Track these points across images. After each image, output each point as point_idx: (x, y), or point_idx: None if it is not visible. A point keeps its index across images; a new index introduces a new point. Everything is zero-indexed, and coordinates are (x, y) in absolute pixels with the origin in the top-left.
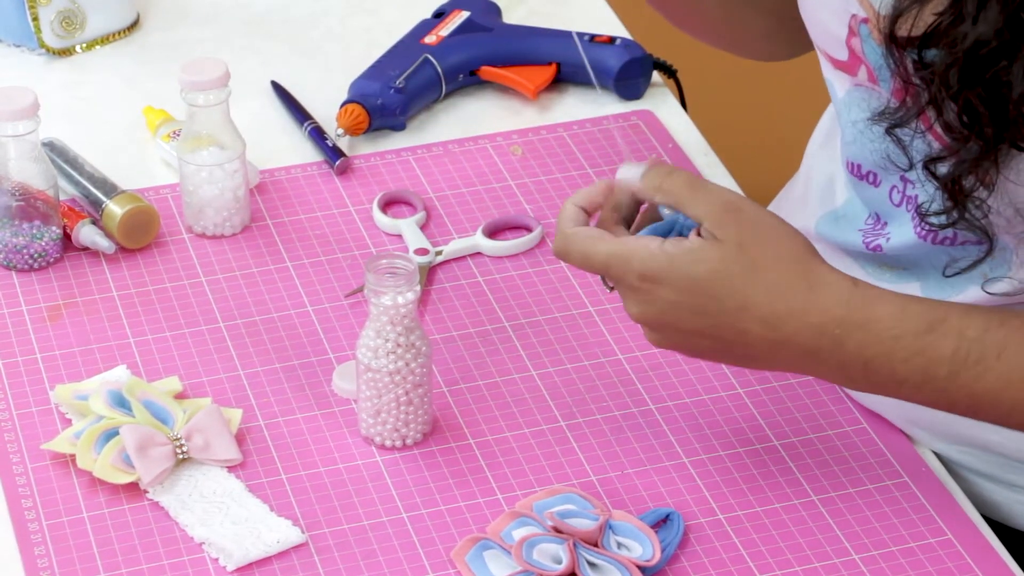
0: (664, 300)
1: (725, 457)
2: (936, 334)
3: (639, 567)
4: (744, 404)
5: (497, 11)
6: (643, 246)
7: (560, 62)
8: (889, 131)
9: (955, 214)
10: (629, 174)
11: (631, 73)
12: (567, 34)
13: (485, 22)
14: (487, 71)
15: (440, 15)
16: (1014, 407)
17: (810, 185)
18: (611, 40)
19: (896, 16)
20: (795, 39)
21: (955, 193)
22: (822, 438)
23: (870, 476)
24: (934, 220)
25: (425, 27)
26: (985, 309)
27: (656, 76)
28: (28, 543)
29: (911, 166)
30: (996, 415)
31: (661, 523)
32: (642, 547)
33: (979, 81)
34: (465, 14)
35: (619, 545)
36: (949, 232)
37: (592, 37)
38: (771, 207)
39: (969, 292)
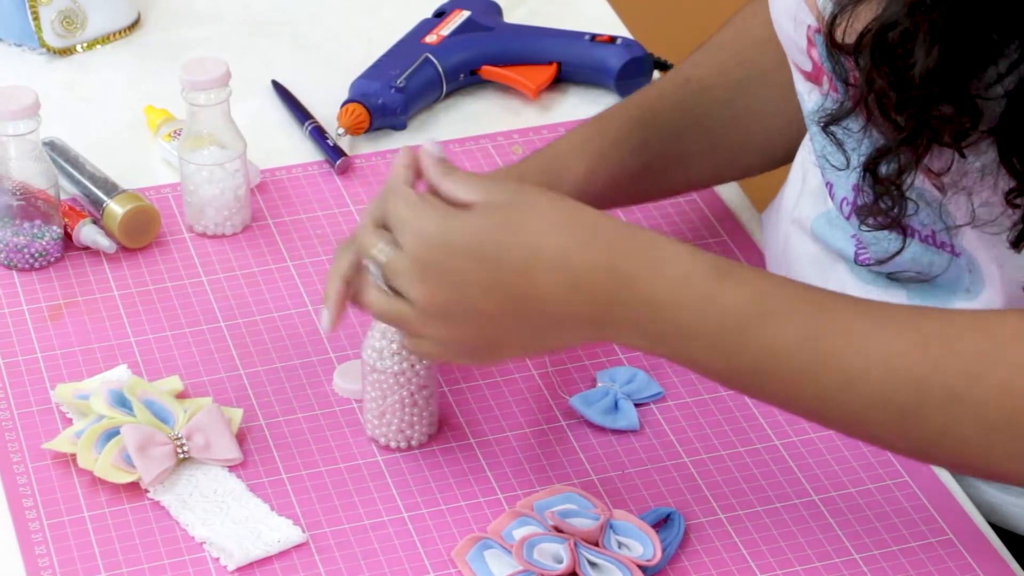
0: (452, 261)
1: (726, 456)
2: (727, 282)
3: (640, 567)
4: (744, 403)
5: (498, 10)
6: (423, 220)
7: (561, 62)
8: (825, 128)
9: (873, 204)
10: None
11: (632, 72)
12: (568, 34)
13: (486, 21)
14: (488, 71)
15: (441, 14)
16: (804, 369)
17: (805, 186)
18: (612, 39)
19: (833, 19)
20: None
21: (874, 182)
22: (823, 437)
23: (871, 475)
24: (870, 222)
25: (426, 26)
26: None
27: (657, 75)
28: (29, 542)
29: (848, 164)
30: (782, 382)
31: (662, 523)
32: (643, 547)
33: (887, 63)
34: (466, 13)
35: (620, 544)
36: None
37: (593, 36)
38: (769, 208)
39: (956, 303)
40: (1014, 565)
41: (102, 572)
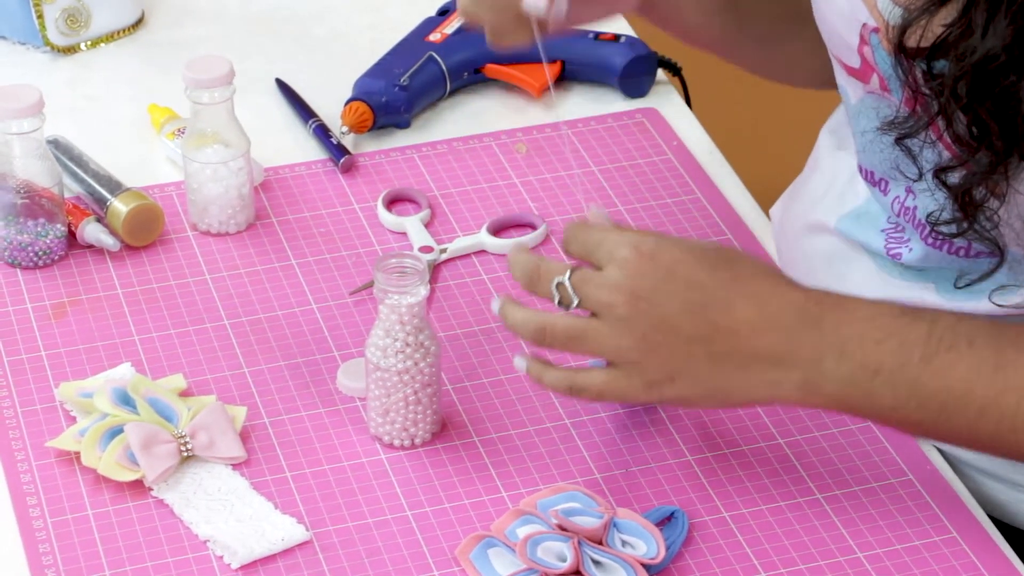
0: (660, 270)
1: (730, 455)
2: (910, 317)
3: (644, 565)
4: None
5: None
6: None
7: (565, 60)
8: (898, 141)
9: (964, 224)
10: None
11: (636, 71)
12: (572, 32)
13: None
14: (492, 69)
15: (444, 12)
16: (983, 408)
17: (833, 184)
18: (615, 38)
19: (904, 27)
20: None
21: (965, 204)
22: (826, 436)
23: (875, 474)
24: (944, 229)
25: (429, 25)
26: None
27: (661, 74)
28: (33, 540)
29: (920, 176)
30: (966, 418)
31: (665, 521)
32: (647, 545)
33: (988, 95)
34: None
35: (624, 543)
36: (963, 243)
37: (597, 35)
38: (778, 204)
39: (984, 302)
40: (1018, 563)
41: (106, 570)
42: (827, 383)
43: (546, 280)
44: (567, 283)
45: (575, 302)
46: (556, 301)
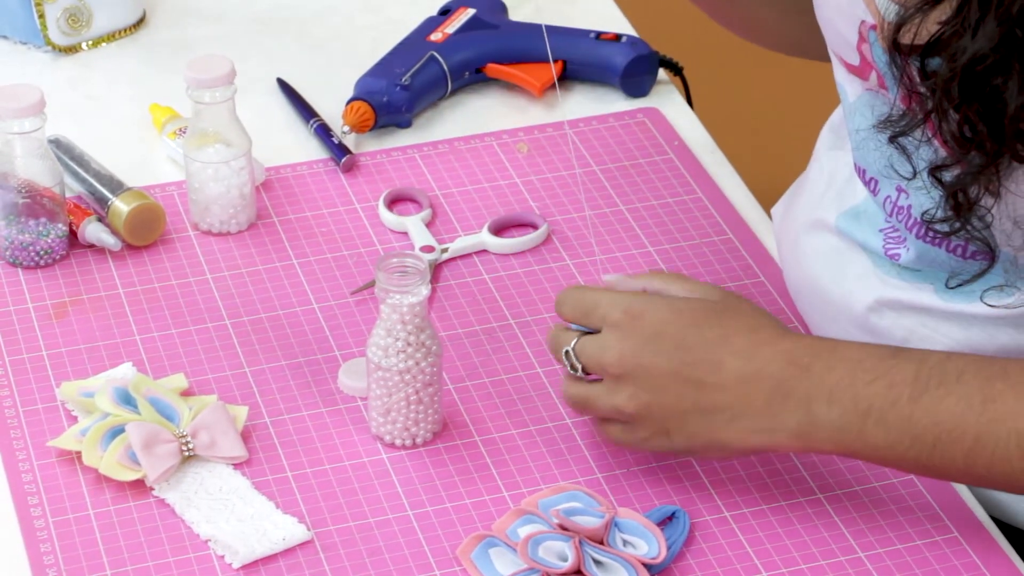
0: (648, 330)
1: None
2: (898, 359)
3: (645, 565)
4: None
5: (503, 8)
6: (634, 291)
7: (566, 59)
8: (892, 139)
9: (956, 223)
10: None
11: (637, 71)
12: (573, 31)
13: (491, 19)
14: (493, 68)
15: (446, 12)
16: (976, 440)
17: (832, 182)
18: (617, 37)
19: (900, 24)
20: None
21: (958, 203)
22: None
23: (876, 473)
24: (938, 227)
25: (431, 24)
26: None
27: (662, 74)
28: (34, 540)
29: (915, 174)
30: (961, 451)
31: (667, 521)
32: (648, 545)
33: (976, 96)
34: (471, 11)
35: (625, 543)
36: (960, 240)
37: (598, 34)
38: (780, 203)
39: (976, 303)
40: (1018, 562)
41: (107, 570)
42: (820, 428)
43: (560, 350)
44: (571, 351)
45: (579, 367)
46: (569, 369)
